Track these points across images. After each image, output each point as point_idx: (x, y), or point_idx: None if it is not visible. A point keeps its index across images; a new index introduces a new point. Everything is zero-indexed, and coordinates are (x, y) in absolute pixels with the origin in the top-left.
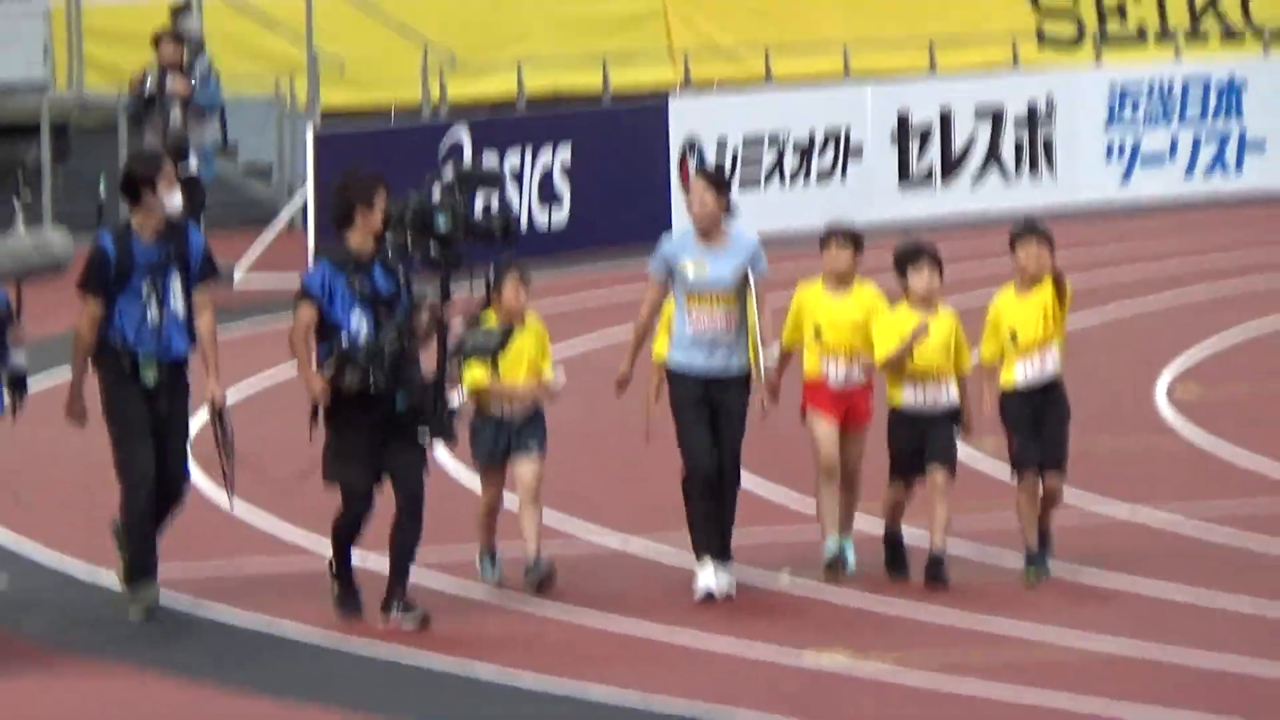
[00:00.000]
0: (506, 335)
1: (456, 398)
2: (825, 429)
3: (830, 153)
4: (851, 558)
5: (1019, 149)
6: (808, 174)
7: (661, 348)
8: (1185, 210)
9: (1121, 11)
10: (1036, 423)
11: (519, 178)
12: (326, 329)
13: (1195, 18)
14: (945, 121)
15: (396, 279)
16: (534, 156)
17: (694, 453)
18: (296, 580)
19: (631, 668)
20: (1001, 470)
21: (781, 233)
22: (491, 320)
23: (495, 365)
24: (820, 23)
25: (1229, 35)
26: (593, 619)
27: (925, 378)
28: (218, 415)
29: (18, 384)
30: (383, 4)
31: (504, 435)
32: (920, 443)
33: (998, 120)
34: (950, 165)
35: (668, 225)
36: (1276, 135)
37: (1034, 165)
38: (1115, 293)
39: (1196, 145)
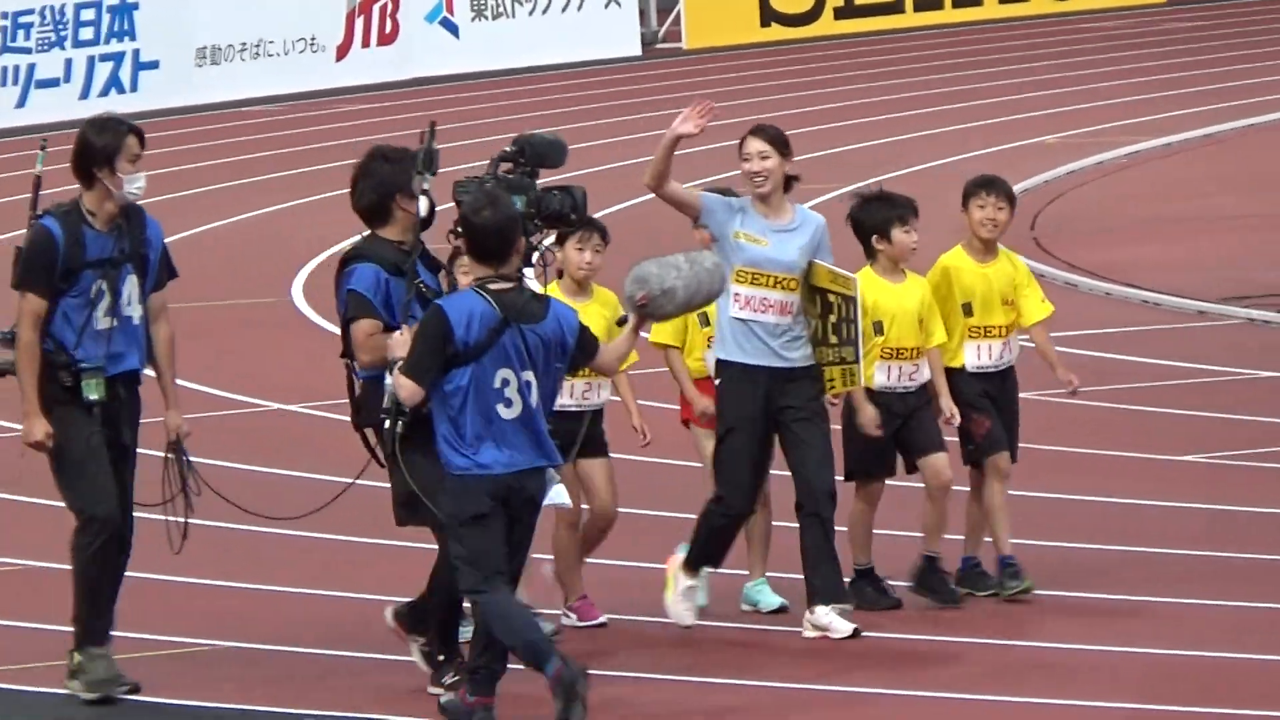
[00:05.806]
0: None
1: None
2: None
3: None
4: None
5: None
6: None
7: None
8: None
9: None
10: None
11: None
12: None
13: None
14: None
15: (439, 274)
16: None
17: (733, 486)
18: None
19: None
20: None
21: None
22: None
23: None
24: None
25: None
26: None
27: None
28: (177, 446)
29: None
30: None
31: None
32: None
33: None
34: None
35: None
36: (169, 54)
37: None
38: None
39: (92, 66)
